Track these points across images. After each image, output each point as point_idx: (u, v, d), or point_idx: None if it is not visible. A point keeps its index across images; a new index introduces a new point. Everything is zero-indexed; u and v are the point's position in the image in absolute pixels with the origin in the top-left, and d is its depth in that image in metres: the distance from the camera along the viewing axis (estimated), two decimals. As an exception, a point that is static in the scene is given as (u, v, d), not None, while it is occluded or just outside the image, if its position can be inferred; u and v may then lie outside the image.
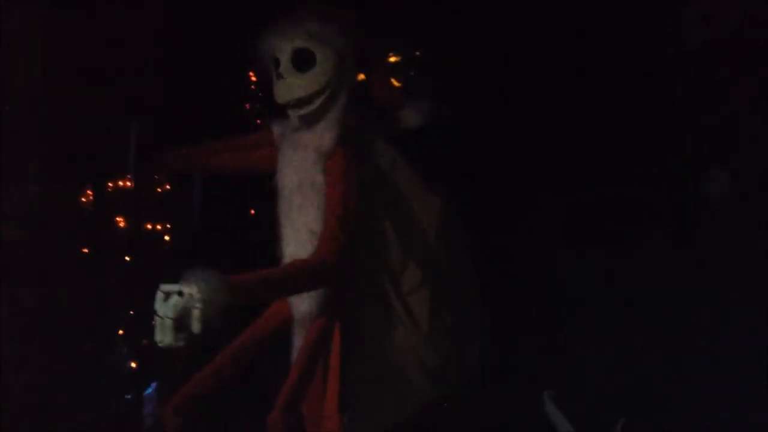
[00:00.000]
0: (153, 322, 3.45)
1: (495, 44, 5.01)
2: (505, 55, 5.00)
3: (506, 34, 5.00)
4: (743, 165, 4.63)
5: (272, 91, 3.97)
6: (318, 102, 3.86)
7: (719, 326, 4.56)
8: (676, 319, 4.65)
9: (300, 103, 3.87)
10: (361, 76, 4.36)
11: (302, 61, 3.86)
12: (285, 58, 3.86)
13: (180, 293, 3.37)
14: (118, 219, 4.84)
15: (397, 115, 4.14)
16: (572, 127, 4.95)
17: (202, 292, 3.35)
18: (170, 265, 4.95)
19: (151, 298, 4.82)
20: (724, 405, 4.45)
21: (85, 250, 4.57)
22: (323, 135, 3.86)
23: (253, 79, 5.24)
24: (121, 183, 4.75)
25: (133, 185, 4.60)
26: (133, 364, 4.92)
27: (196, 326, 3.36)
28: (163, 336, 3.38)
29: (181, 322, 3.36)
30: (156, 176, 4.84)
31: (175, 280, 3.41)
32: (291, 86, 3.86)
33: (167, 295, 3.39)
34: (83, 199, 4.70)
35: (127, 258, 4.86)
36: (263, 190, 4.11)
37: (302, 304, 3.91)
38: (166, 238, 5.06)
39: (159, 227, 5.03)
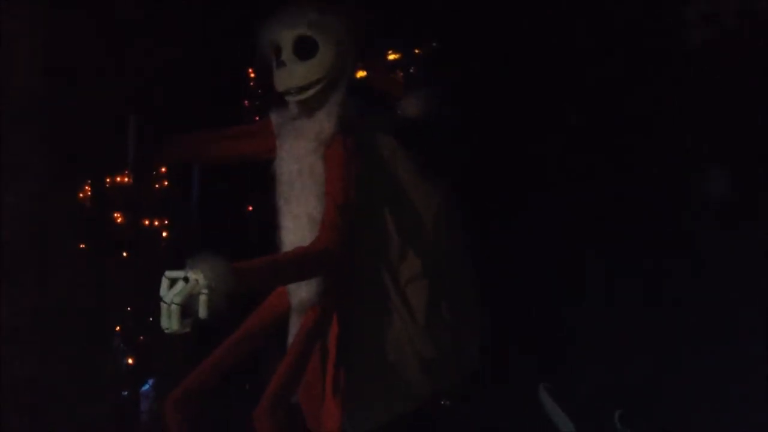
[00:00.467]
0: (153, 311, 3.47)
1: (496, 42, 5.01)
2: (506, 53, 5.00)
3: (508, 33, 5.00)
4: (744, 165, 4.63)
5: (270, 84, 3.98)
6: (317, 88, 3.87)
7: (719, 326, 4.56)
8: (676, 319, 4.65)
9: (301, 90, 3.87)
10: (362, 73, 4.39)
11: (304, 48, 3.86)
12: (287, 46, 3.87)
13: (186, 279, 3.38)
14: (116, 216, 4.84)
15: (397, 105, 4.14)
16: (573, 126, 4.94)
17: (208, 277, 3.37)
18: (169, 261, 4.97)
19: (150, 295, 4.86)
20: (724, 405, 4.45)
21: (84, 248, 4.55)
22: (323, 123, 3.86)
23: (252, 75, 5.26)
24: (120, 178, 4.76)
25: (132, 182, 4.60)
26: (131, 361, 4.92)
27: (203, 312, 3.38)
28: (170, 322, 3.38)
29: (187, 308, 3.38)
30: (155, 167, 4.83)
31: (179, 267, 3.42)
32: (292, 73, 3.86)
33: (172, 282, 3.41)
34: (83, 197, 4.69)
35: (126, 255, 4.86)
36: (261, 184, 4.12)
37: (300, 291, 3.90)
38: (165, 234, 5.06)
39: (157, 223, 5.02)
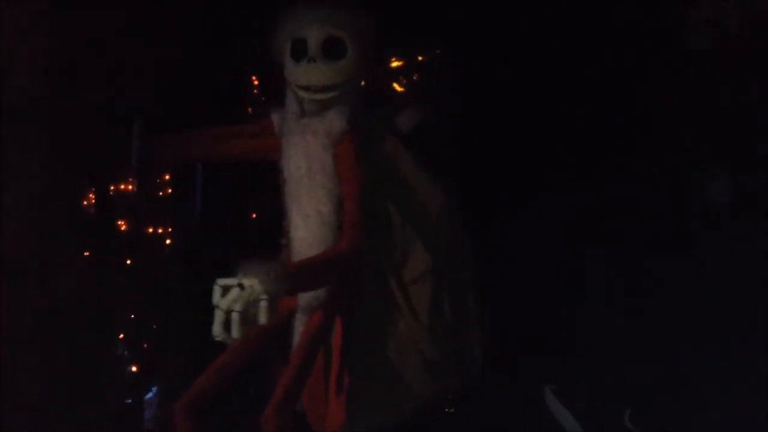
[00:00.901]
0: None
1: (499, 45, 5.02)
2: (509, 56, 5.00)
3: (510, 36, 5.01)
4: (745, 167, 4.63)
5: (273, 89, 3.99)
6: (341, 90, 3.88)
7: (722, 325, 4.54)
8: (678, 318, 4.63)
9: (326, 89, 3.88)
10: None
11: (333, 49, 3.87)
12: (315, 43, 3.87)
13: (241, 286, 3.39)
14: (119, 221, 4.83)
15: (398, 110, 4.16)
16: (575, 128, 4.94)
17: (264, 283, 3.40)
18: (171, 267, 4.97)
19: (153, 302, 4.87)
20: (728, 405, 4.43)
21: (87, 252, 4.55)
22: (333, 121, 3.88)
23: (255, 82, 5.27)
24: (123, 185, 4.75)
25: (135, 185, 4.60)
26: (134, 368, 4.91)
27: (263, 317, 3.43)
28: (232, 330, 3.42)
29: (245, 314, 3.41)
30: (157, 170, 4.84)
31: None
32: (322, 72, 3.86)
33: (224, 290, 3.41)
34: (85, 201, 4.69)
35: (129, 261, 4.86)
36: (264, 187, 4.13)
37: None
38: (168, 241, 5.05)
39: (161, 230, 5.02)
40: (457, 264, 4.13)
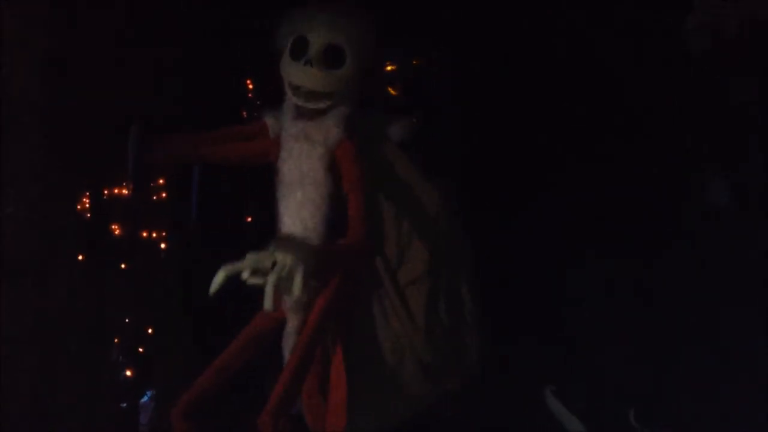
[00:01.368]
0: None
1: (499, 46, 5.03)
2: (508, 57, 5.02)
3: (510, 37, 5.02)
4: (745, 168, 4.65)
5: (268, 94, 3.99)
6: (335, 99, 3.87)
7: (722, 325, 4.56)
8: (677, 318, 4.64)
9: (316, 95, 3.86)
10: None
11: (333, 56, 3.85)
12: (316, 47, 3.84)
13: (274, 261, 3.50)
14: (116, 225, 4.82)
15: (392, 119, 4.16)
16: (575, 128, 4.96)
17: (299, 257, 3.48)
18: (168, 270, 4.97)
19: (149, 306, 4.87)
20: (724, 405, 4.44)
21: (84, 256, 4.54)
22: (330, 129, 3.86)
23: (251, 87, 5.27)
24: (120, 188, 4.75)
25: (131, 188, 4.60)
26: (129, 372, 4.90)
27: (297, 290, 3.50)
28: (265, 302, 3.50)
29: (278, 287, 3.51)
30: (153, 173, 4.84)
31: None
32: (317, 78, 3.84)
33: (256, 264, 3.51)
34: (83, 204, 4.69)
35: (125, 266, 4.85)
36: (259, 191, 4.13)
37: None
38: (163, 245, 5.05)
39: (156, 235, 5.02)
40: (455, 265, 4.13)
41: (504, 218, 4.90)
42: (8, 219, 4.15)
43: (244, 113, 5.17)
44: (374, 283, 4.04)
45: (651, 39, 4.86)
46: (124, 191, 4.80)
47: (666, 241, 4.67)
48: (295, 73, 3.86)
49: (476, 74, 5.04)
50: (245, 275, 3.53)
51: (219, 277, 3.57)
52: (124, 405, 4.87)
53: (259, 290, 3.86)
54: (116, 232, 4.86)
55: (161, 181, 5.02)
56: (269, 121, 4.00)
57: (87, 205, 4.70)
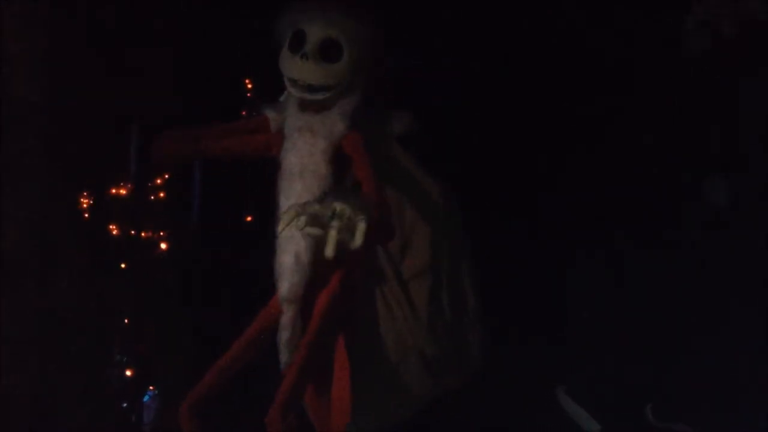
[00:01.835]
0: None
1: (499, 46, 5.03)
2: (508, 57, 5.02)
3: (507, 37, 5.02)
4: (744, 169, 4.66)
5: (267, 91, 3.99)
6: (332, 92, 3.86)
7: (723, 324, 4.57)
8: (676, 319, 4.65)
9: (313, 88, 3.86)
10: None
11: (330, 50, 3.85)
12: (312, 41, 3.85)
13: (333, 211, 3.47)
14: (117, 223, 4.83)
15: (392, 114, 4.16)
16: (575, 128, 4.96)
17: (360, 207, 3.47)
18: (168, 270, 4.98)
19: (149, 306, 4.87)
20: (724, 405, 4.45)
21: (85, 254, 4.54)
22: (336, 123, 3.86)
23: (249, 86, 5.28)
24: (121, 187, 4.76)
25: (133, 187, 4.60)
26: (129, 372, 4.91)
27: (359, 239, 3.47)
28: (326, 249, 3.46)
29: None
30: (157, 166, 4.83)
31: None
32: (314, 71, 3.83)
33: (313, 214, 3.48)
34: (84, 204, 4.69)
35: (125, 265, 4.86)
36: (259, 189, 4.12)
37: (288, 279, 3.88)
38: (163, 245, 5.05)
39: (158, 232, 5.02)
40: (456, 262, 4.13)
41: (504, 217, 4.90)
42: (8, 219, 4.15)
43: (244, 112, 5.17)
44: (377, 278, 4.04)
45: (651, 39, 4.86)
46: (126, 190, 4.81)
47: (665, 241, 4.68)
48: (293, 67, 3.86)
49: (476, 74, 5.03)
50: (301, 224, 3.50)
51: (284, 222, 3.55)
52: (125, 405, 4.87)
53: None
54: (117, 231, 4.86)
55: (161, 181, 5.02)
56: (270, 114, 3.98)
57: (87, 205, 4.70)
